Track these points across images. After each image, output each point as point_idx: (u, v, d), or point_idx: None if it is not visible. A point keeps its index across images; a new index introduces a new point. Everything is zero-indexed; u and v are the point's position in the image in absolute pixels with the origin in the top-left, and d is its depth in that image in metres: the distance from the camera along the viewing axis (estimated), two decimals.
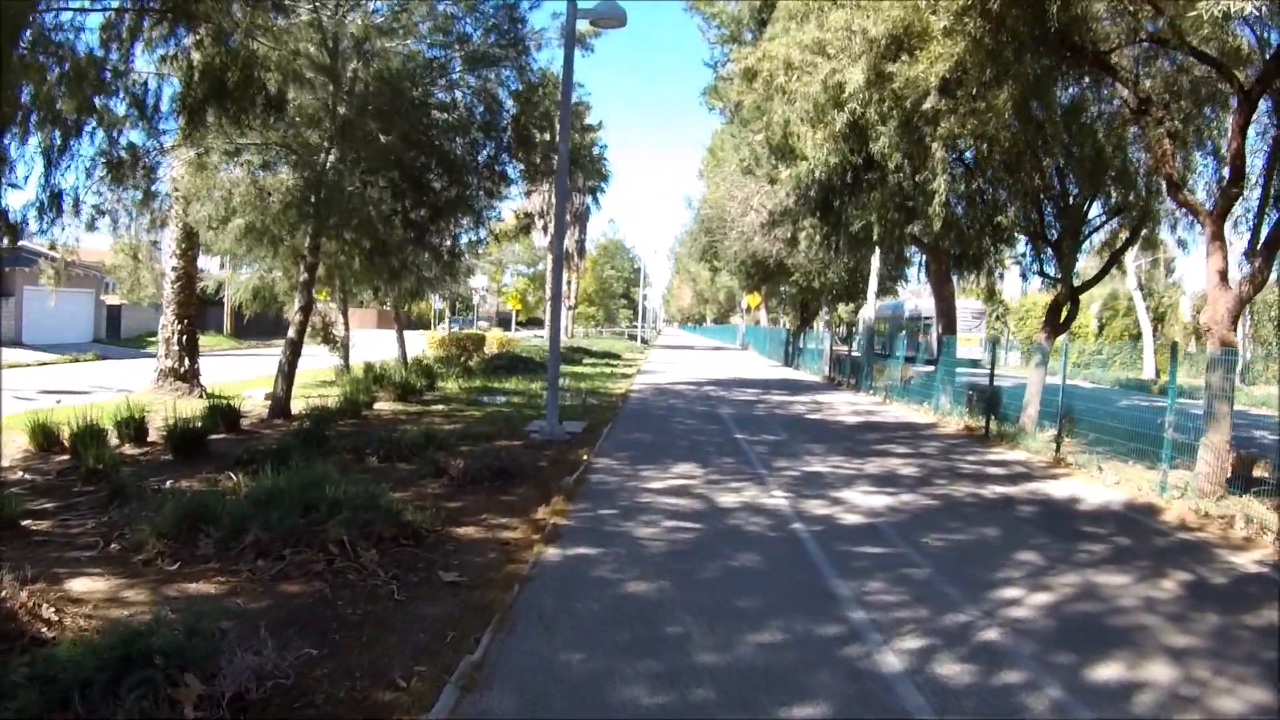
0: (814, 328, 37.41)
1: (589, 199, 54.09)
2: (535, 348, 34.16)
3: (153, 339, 38.65)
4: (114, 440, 11.25)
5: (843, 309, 47.73)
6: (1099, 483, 11.08)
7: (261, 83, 9.55)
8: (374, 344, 31.05)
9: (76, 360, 27.42)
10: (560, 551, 6.21)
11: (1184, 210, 15.81)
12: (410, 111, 13.24)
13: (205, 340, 42.80)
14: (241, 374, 23.79)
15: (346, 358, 22.65)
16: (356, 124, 13.32)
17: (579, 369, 28.82)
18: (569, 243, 50.43)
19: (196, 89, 9.45)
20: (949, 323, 20.37)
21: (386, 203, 14.76)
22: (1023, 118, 14.50)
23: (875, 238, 18.71)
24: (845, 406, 19.37)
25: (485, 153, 14.53)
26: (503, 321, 77.39)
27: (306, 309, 14.76)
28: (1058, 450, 13.09)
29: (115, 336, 38.08)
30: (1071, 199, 16.79)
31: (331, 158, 13.85)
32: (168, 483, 8.94)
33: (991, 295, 18.73)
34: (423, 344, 28.85)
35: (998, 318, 56.36)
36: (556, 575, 5.67)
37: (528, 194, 15.64)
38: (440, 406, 16.05)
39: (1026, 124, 15.43)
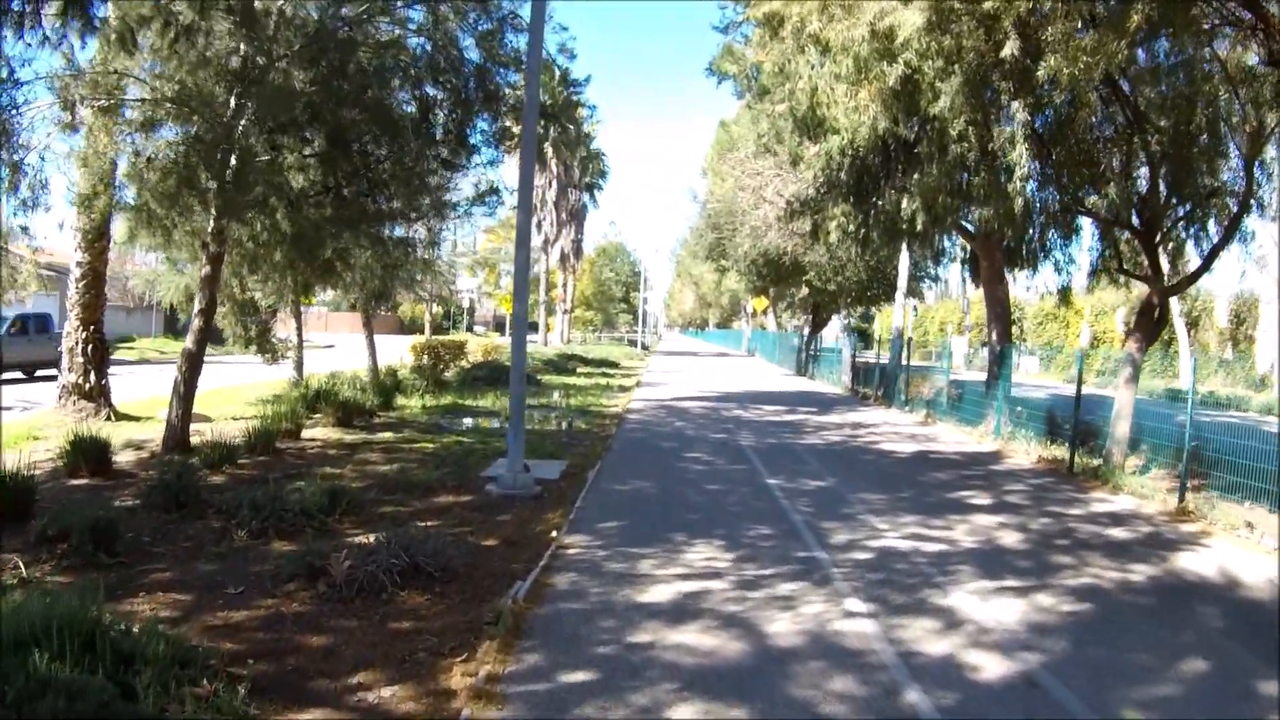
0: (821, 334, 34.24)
1: (586, 196, 50.79)
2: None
3: (125, 345, 35.80)
4: None
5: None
6: (1253, 548, 8.16)
7: None
8: (358, 351, 27.37)
9: None
10: None
11: None
12: (336, 50, 9.99)
13: (174, 347, 39.53)
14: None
15: (300, 369, 19.39)
16: (264, 66, 10.10)
17: (571, 380, 25.53)
18: (565, 242, 47.13)
19: None
20: (1004, 328, 17.11)
21: (312, 175, 11.52)
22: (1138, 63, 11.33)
23: (919, 227, 15.46)
24: (885, 429, 16.08)
25: (442, 112, 11.24)
26: (500, 326, 74.21)
27: (208, 311, 11.51)
28: (1181, 499, 9.87)
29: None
30: (1170, 179, 13.50)
31: (244, 118, 10.67)
32: None
33: (1066, 298, 15.42)
34: (404, 352, 25.64)
35: (1013, 322, 53.15)
36: None
37: (491, 163, 12.41)
38: (387, 435, 12.76)
39: (1139, 73, 12.30)
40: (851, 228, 16.43)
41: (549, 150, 43.58)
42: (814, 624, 5.06)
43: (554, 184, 44.41)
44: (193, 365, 11.50)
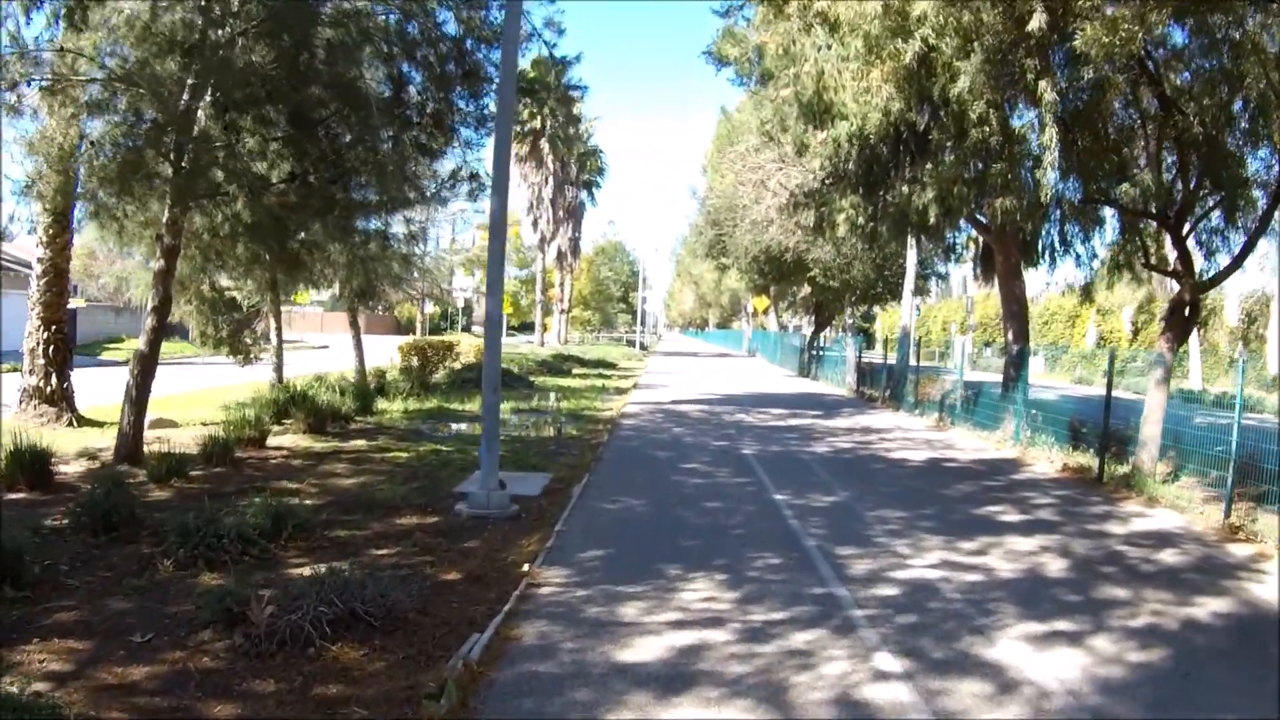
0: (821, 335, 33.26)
1: (584, 194, 49.81)
2: (520, 356, 29.90)
3: (113, 345, 34.87)
4: None
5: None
6: None
7: None
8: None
9: (16, 370, 23.39)
10: None
11: None
12: (298, 22, 9.04)
13: (166, 348, 38.46)
14: (174, 388, 19.42)
15: (280, 370, 18.43)
16: (219, 41, 9.17)
17: (565, 382, 24.57)
18: (562, 241, 46.12)
19: None
20: (1021, 328, 16.15)
21: (275, 161, 10.61)
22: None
23: (932, 219, 14.51)
24: (897, 435, 15.11)
25: (417, 92, 10.26)
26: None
27: (162, 309, 10.54)
28: (1228, 514, 8.95)
29: (70, 342, 34.36)
30: (1201, 167, 12.58)
31: (201, 99, 9.76)
32: None
33: (1089, 295, 14.41)
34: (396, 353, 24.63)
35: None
36: None
37: (468, 145, 11.29)
38: (360, 443, 11.81)
39: (1173, 52, 11.43)
40: (860, 220, 15.46)
41: (545, 146, 42.64)
42: (838, 690, 4.09)
43: (550, 181, 43.45)
44: (145, 368, 10.56)
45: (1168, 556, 7.49)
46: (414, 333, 53.43)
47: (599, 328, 74.20)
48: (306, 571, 5.74)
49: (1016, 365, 15.43)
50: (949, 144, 13.09)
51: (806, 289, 31.68)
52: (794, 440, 13.56)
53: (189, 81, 9.76)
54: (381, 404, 16.49)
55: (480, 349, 30.28)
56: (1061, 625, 5.33)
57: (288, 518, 6.85)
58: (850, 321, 29.33)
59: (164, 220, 10.43)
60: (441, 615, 4.92)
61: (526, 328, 66.23)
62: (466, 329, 74.65)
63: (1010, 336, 16.05)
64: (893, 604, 5.46)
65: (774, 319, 49.66)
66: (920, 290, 27.05)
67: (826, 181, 16.94)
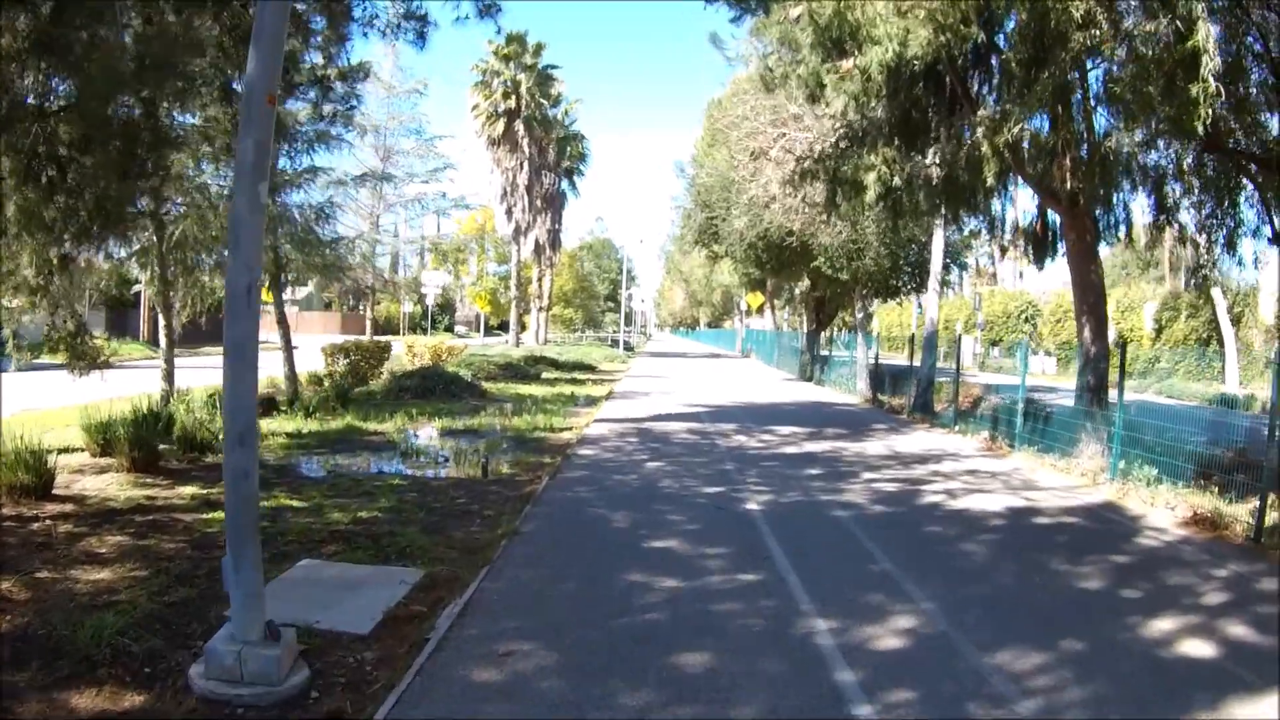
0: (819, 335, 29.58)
1: (564, 182, 45.87)
2: (482, 359, 26.08)
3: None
4: None
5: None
6: None
7: None
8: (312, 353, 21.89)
9: None
10: None
11: None
12: None
13: (140, 351, 34.15)
14: (95, 395, 15.49)
15: (170, 380, 14.66)
16: None
17: (529, 389, 20.77)
18: (540, 232, 42.19)
19: None
20: (1099, 324, 12.50)
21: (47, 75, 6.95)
22: None
23: (989, 180, 10.93)
24: (949, 465, 11.42)
25: None
26: (479, 325, 69.54)
27: None
28: None
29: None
30: None
31: None
32: None
33: (1204, 280, 10.80)
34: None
35: (1026, 319, 48.61)
36: None
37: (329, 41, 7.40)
38: (190, 490, 8.09)
39: None
40: (897, 181, 11.84)
41: (520, 129, 38.91)
42: None
43: (526, 167, 39.63)
44: None
45: None
46: (394, 333, 49.65)
47: (583, 327, 70.35)
48: None
49: (1100, 373, 11.82)
50: (1023, 71, 9.64)
51: (806, 283, 28.07)
52: (817, 482, 9.79)
53: None
54: (275, 422, 12.77)
55: (437, 349, 26.37)
56: None
57: None
58: (860, 318, 25.61)
59: None
60: None
61: (508, 326, 62.61)
62: (450, 328, 70.78)
63: (1087, 335, 12.38)
64: None
65: (770, 317, 46.02)
66: (944, 282, 23.36)
67: (842, 143, 13.37)
